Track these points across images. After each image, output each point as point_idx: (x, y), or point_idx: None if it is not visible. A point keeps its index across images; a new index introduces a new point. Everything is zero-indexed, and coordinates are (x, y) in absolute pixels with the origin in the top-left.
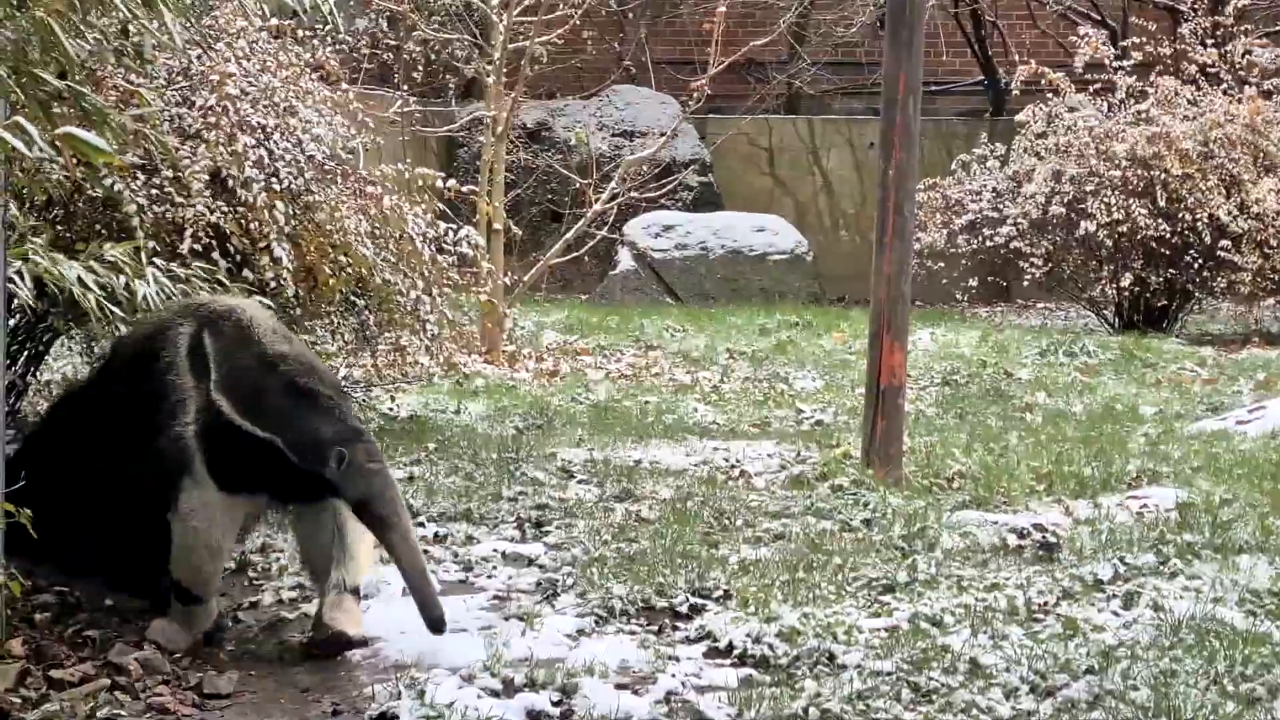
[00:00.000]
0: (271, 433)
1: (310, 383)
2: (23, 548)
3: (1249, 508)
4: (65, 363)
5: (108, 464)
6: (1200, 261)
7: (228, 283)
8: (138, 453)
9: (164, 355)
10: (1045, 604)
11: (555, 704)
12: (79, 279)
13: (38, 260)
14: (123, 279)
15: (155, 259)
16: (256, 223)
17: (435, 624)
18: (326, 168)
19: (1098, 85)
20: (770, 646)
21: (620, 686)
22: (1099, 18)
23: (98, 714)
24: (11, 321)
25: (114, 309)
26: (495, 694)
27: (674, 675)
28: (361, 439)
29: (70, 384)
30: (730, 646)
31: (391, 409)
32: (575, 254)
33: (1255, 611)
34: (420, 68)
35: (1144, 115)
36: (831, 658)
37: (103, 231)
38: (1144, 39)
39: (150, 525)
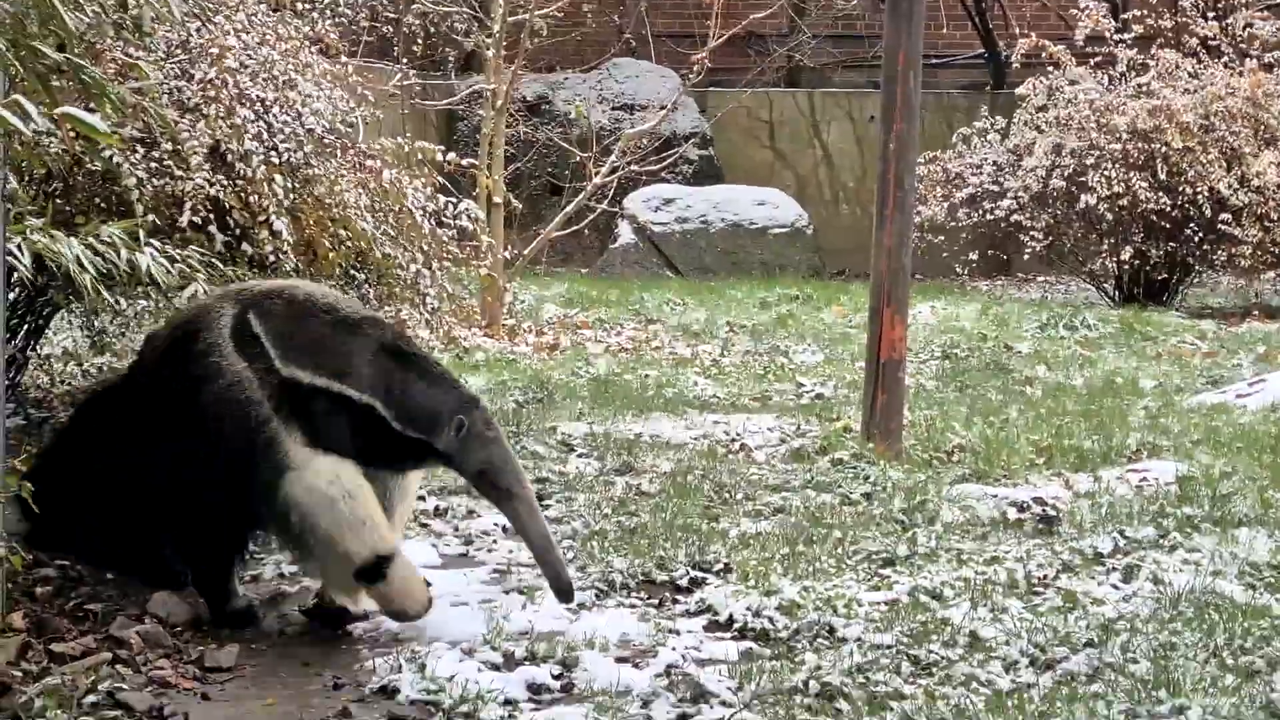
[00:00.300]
0: (370, 396)
1: (407, 346)
2: (54, 543)
3: (1249, 481)
4: (65, 336)
5: (150, 456)
6: (1201, 235)
7: (226, 258)
8: (180, 441)
9: (203, 339)
10: (1045, 577)
11: (556, 677)
12: (77, 258)
13: (36, 239)
14: (124, 255)
15: (152, 240)
16: (256, 196)
17: (564, 593)
18: (326, 141)
19: (1098, 58)
20: (770, 620)
21: (621, 659)
22: None
23: (99, 687)
24: (11, 295)
25: (109, 285)
26: (496, 667)
27: (674, 648)
28: (478, 406)
29: (104, 379)
30: (730, 620)
31: None
32: (575, 227)
33: (1255, 584)
34: (420, 41)
35: (1145, 88)
36: (831, 631)
37: (102, 205)
38: (1145, 12)
39: (193, 515)
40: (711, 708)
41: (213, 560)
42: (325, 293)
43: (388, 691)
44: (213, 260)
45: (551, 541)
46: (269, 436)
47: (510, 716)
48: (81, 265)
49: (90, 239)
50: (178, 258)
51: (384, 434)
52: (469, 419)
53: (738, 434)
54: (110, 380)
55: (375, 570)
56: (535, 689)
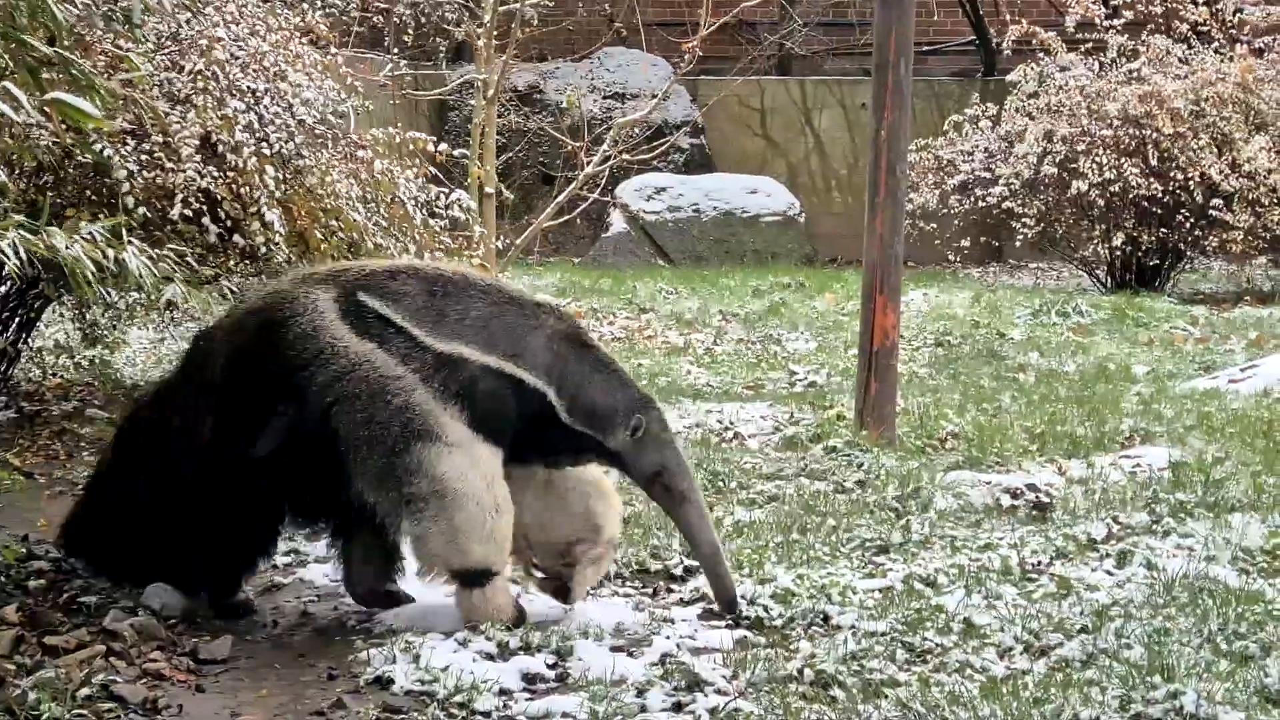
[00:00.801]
0: (545, 383)
1: (585, 338)
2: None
3: (1241, 466)
4: (57, 329)
5: (219, 455)
6: (1192, 220)
7: (218, 249)
8: (272, 434)
9: (296, 325)
10: (1039, 564)
11: (550, 666)
12: (67, 249)
13: (25, 235)
14: (111, 252)
15: (132, 240)
16: (247, 188)
17: (730, 605)
18: (317, 132)
19: (1089, 44)
20: (765, 608)
21: (615, 649)
22: None
23: (93, 680)
24: (2, 289)
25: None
26: (490, 657)
27: (669, 637)
28: (653, 407)
29: (156, 385)
30: None
31: None
32: (567, 217)
33: (1248, 569)
34: (410, 31)
35: (1135, 74)
36: (826, 619)
37: (93, 198)
38: None
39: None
40: (706, 696)
41: (238, 548)
42: (474, 274)
43: (382, 682)
44: (190, 261)
45: (721, 552)
46: (415, 407)
47: (505, 706)
48: (77, 260)
49: (74, 236)
50: (157, 257)
51: (549, 425)
52: (646, 420)
53: (731, 422)
54: (161, 385)
55: (475, 579)
56: (530, 678)
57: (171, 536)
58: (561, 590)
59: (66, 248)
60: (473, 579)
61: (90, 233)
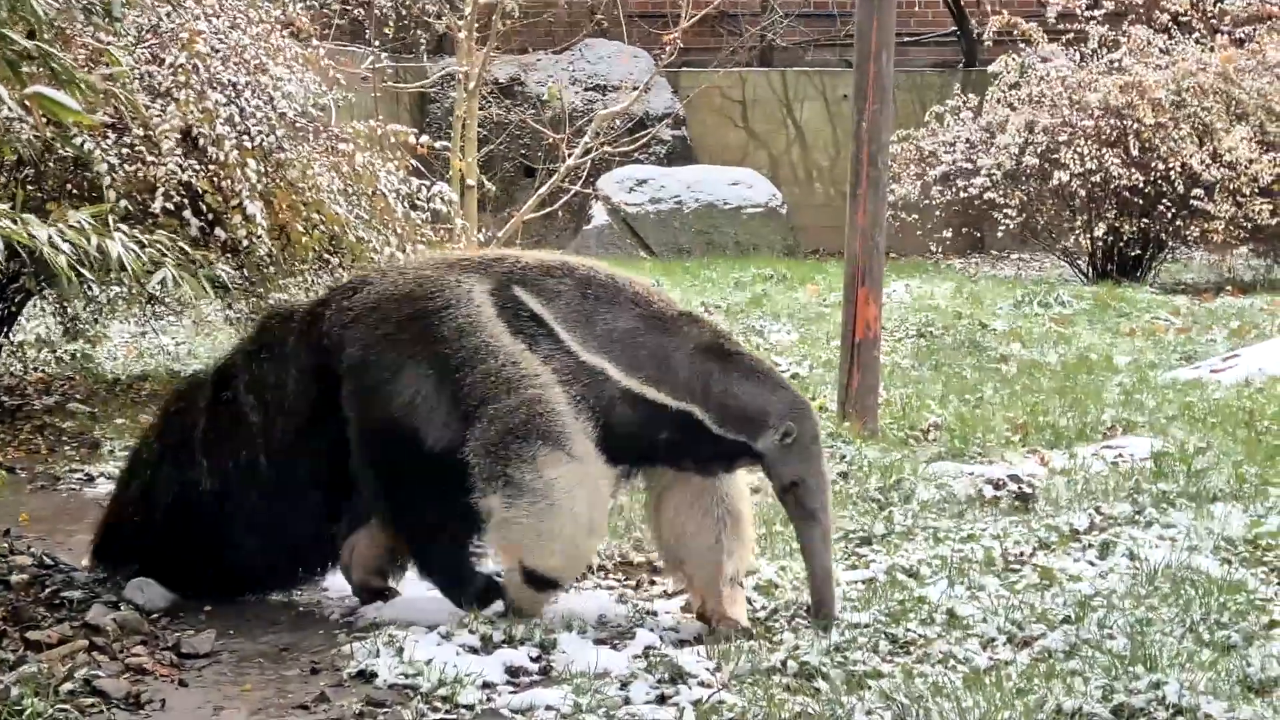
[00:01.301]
0: (688, 402)
1: (728, 345)
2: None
3: (1223, 456)
4: (38, 323)
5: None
6: (1173, 210)
7: (200, 243)
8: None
9: (452, 317)
10: (1021, 554)
11: (534, 659)
12: (49, 240)
13: (7, 224)
14: (94, 241)
15: (121, 225)
16: (228, 181)
17: (827, 624)
18: (298, 125)
19: (1070, 35)
20: (748, 600)
21: (599, 641)
22: None
23: (75, 675)
24: None
25: (81, 271)
26: (474, 650)
27: (652, 630)
28: (808, 415)
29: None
30: None
31: None
32: (549, 209)
33: (1230, 559)
34: (391, 23)
35: (1116, 65)
36: (809, 610)
37: (74, 191)
38: None
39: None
40: (690, 688)
41: (446, 541)
42: (624, 278)
43: (365, 675)
44: (183, 246)
45: (832, 578)
46: (547, 403)
47: (488, 699)
48: (55, 248)
49: (59, 224)
50: (146, 243)
51: (698, 437)
52: (800, 427)
53: None
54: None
55: (542, 584)
56: (513, 671)
57: (262, 532)
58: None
59: (49, 238)
60: (540, 583)
61: (77, 220)
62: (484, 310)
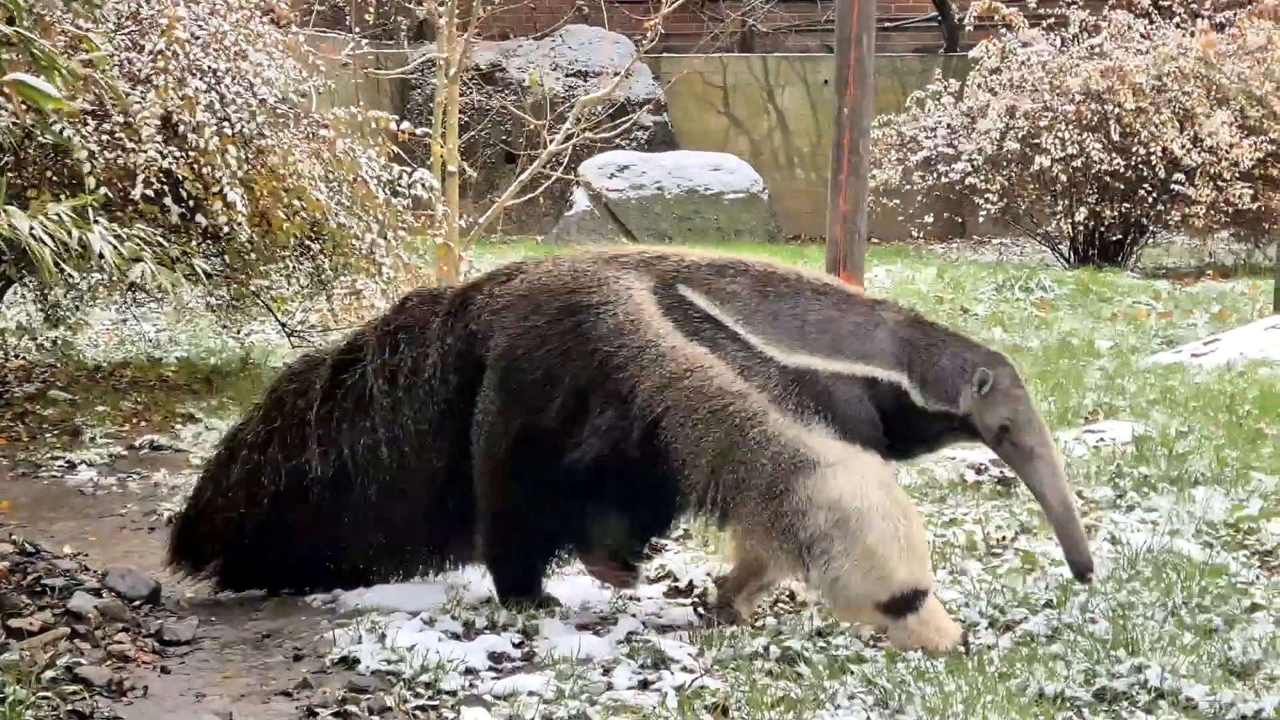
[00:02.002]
0: (897, 373)
1: (923, 318)
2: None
3: (1204, 440)
4: (19, 310)
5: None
6: (1154, 195)
7: (181, 230)
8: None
9: (610, 314)
10: (1003, 539)
11: (517, 645)
12: (31, 231)
13: None
14: (75, 234)
15: (99, 218)
16: (209, 168)
17: (1083, 572)
18: (279, 111)
19: (1051, 20)
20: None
21: (582, 627)
22: None
23: (58, 662)
24: None
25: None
26: (456, 636)
27: (635, 615)
28: (1004, 362)
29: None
30: (691, 585)
31: None
32: (530, 195)
33: (1211, 543)
34: (372, 9)
35: (1097, 49)
36: (792, 596)
37: (54, 179)
38: None
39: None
40: (673, 674)
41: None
42: (804, 271)
43: (348, 662)
44: (161, 239)
45: (1074, 511)
46: (778, 437)
47: (471, 685)
48: (38, 241)
49: (40, 217)
50: (126, 236)
51: (907, 414)
52: (995, 374)
53: None
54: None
55: (906, 604)
56: (496, 657)
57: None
58: None
59: (30, 230)
60: (902, 606)
61: (57, 213)
62: (645, 308)
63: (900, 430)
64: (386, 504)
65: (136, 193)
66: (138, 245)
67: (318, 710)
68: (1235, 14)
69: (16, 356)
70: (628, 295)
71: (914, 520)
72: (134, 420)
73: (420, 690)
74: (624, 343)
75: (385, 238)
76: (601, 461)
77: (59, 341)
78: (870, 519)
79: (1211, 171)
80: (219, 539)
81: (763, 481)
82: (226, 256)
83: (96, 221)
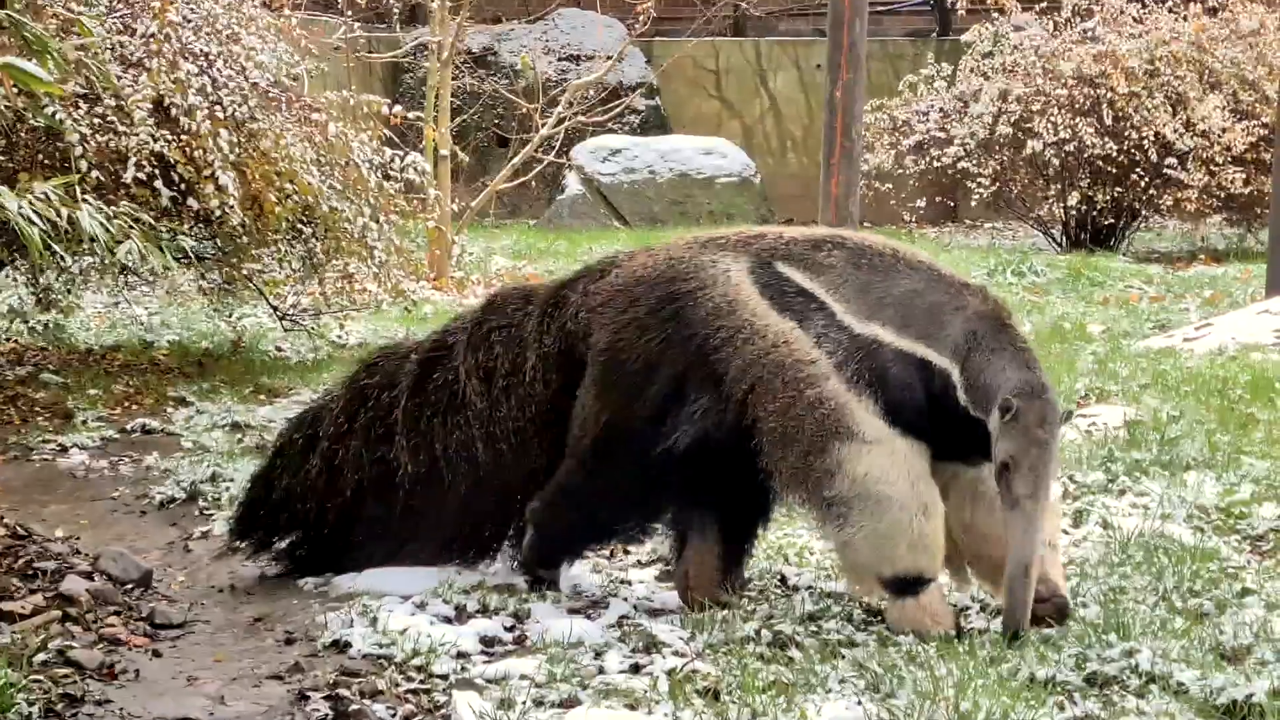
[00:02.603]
0: (951, 361)
1: (1005, 318)
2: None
3: (1196, 424)
4: (10, 294)
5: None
6: (1147, 179)
7: (172, 213)
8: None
9: (708, 298)
10: None
11: (508, 629)
12: (20, 212)
13: None
14: (64, 213)
15: (87, 197)
16: (201, 151)
17: (1011, 630)
18: (271, 95)
19: (1044, 4)
20: None
21: (573, 611)
22: None
23: (49, 645)
24: None
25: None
26: (448, 620)
27: (626, 599)
28: (1041, 396)
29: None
30: None
31: (340, 336)
32: (522, 179)
33: (1202, 527)
34: None
35: (1090, 34)
36: (783, 580)
37: (45, 162)
38: None
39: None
40: (664, 658)
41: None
42: (903, 246)
43: (340, 645)
44: (149, 218)
45: (1030, 574)
46: (829, 400)
47: (463, 669)
48: (28, 220)
49: (28, 196)
50: (114, 215)
51: (955, 409)
52: (1025, 406)
53: None
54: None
55: (905, 587)
56: (488, 641)
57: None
58: None
59: (19, 209)
60: (902, 587)
61: (44, 192)
62: (742, 288)
63: (948, 425)
64: (478, 500)
65: (128, 176)
66: (126, 223)
67: (309, 693)
68: None
69: (8, 340)
70: (725, 277)
71: (933, 517)
72: (126, 403)
73: (412, 673)
74: (721, 324)
75: (377, 221)
76: (694, 450)
77: (51, 325)
78: (888, 506)
79: (1204, 156)
80: (292, 524)
81: (806, 437)
82: (218, 240)
83: (85, 200)
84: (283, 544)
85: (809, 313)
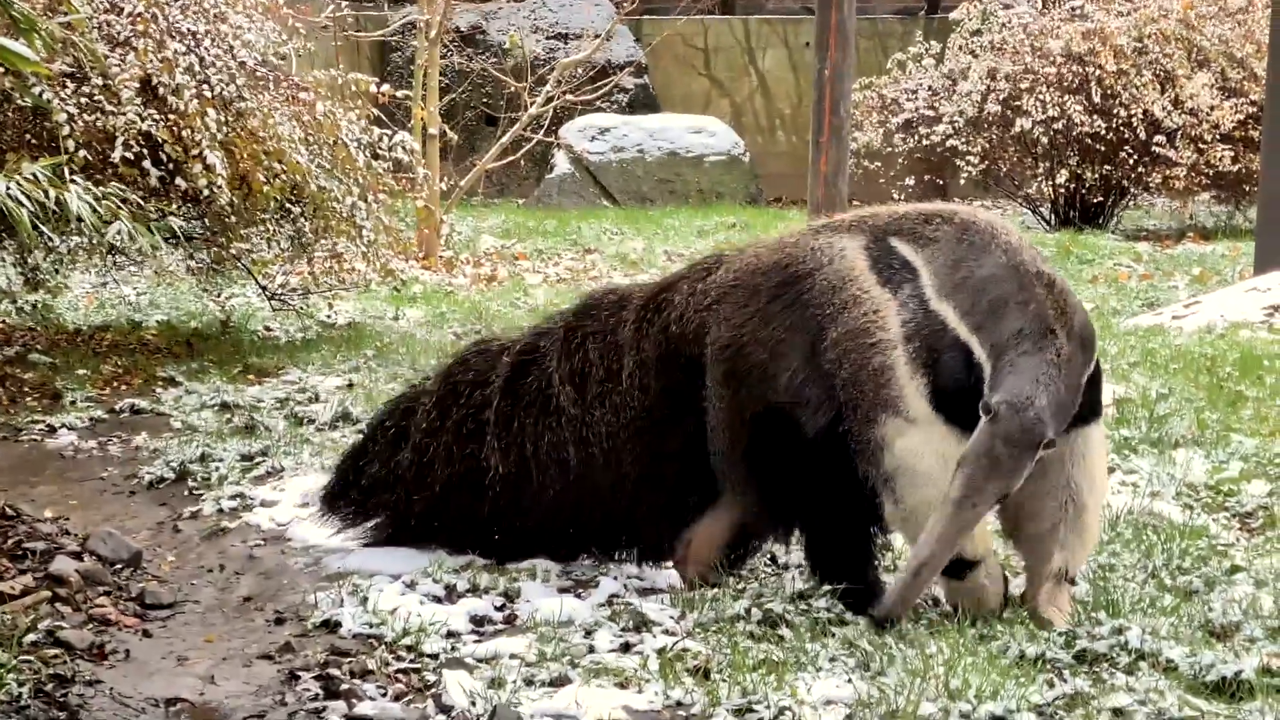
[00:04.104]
0: (989, 356)
1: (1057, 321)
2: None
3: (1185, 402)
4: None
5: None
6: (1135, 157)
7: (160, 193)
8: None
9: (822, 278)
10: None
11: (498, 609)
12: (8, 193)
13: None
14: (52, 193)
15: (75, 178)
16: (188, 130)
17: (880, 621)
18: (258, 74)
19: None
20: None
21: (563, 590)
22: None
23: (39, 626)
24: None
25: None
26: (438, 599)
27: (616, 578)
28: (1027, 410)
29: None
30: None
31: (329, 316)
32: (511, 158)
33: (1192, 505)
34: None
35: (1079, 11)
36: (774, 559)
37: (33, 142)
38: None
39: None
40: (654, 636)
41: (838, 529)
42: (1002, 227)
43: (330, 625)
44: (138, 199)
45: (919, 571)
46: (888, 370)
47: (453, 648)
48: (17, 201)
49: (16, 177)
50: (102, 195)
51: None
52: (1003, 415)
53: None
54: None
55: (952, 567)
56: (478, 620)
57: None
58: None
59: (6, 190)
60: (950, 568)
61: (33, 173)
62: (856, 264)
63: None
64: (566, 503)
65: (116, 155)
66: (114, 204)
67: (300, 673)
68: None
69: None
70: (840, 255)
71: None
72: (114, 384)
73: (402, 653)
74: (833, 300)
75: (366, 201)
76: (825, 432)
77: (39, 305)
78: (922, 484)
79: (1192, 134)
80: (379, 509)
81: (866, 405)
82: (206, 220)
83: (73, 180)
84: (369, 524)
85: (903, 283)
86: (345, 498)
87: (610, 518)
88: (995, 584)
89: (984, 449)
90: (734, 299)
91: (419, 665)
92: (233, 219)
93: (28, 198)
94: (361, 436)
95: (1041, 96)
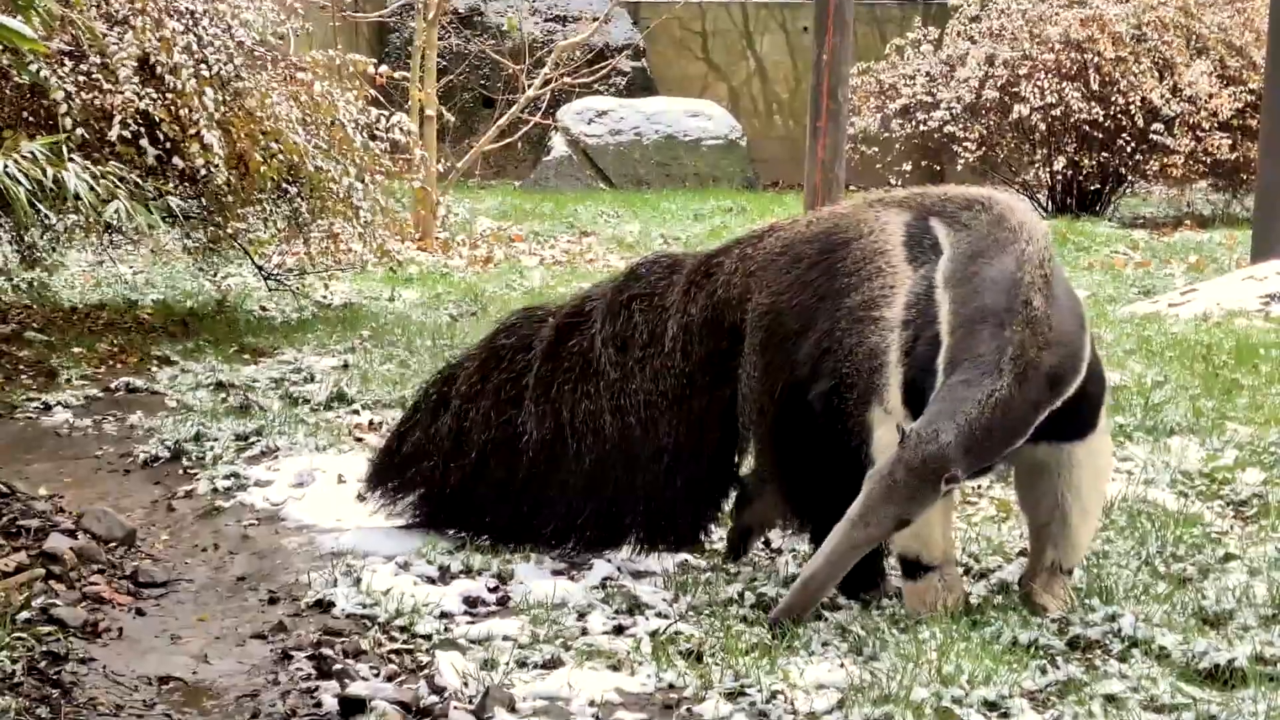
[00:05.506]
0: (947, 368)
1: (1040, 352)
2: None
3: (1180, 390)
4: None
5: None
6: (1133, 145)
7: (157, 171)
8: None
9: (858, 247)
10: (978, 487)
11: (492, 590)
12: (6, 171)
13: None
14: (50, 172)
15: (74, 156)
16: (186, 109)
17: (769, 626)
18: (256, 54)
19: None
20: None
21: (556, 572)
22: None
23: (32, 603)
24: None
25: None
26: (431, 580)
27: (609, 560)
28: (927, 447)
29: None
30: None
31: (325, 296)
32: (508, 140)
33: (1186, 493)
34: None
35: None
36: (767, 543)
37: (31, 120)
38: None
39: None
40: (647, 619)
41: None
42: (1031, 224)
43: (323, 605)
44: (136, 178)
45: (807, 584)
46: (879, 355)
47: (446, 629)
48: (14, 180)
49: (14, 155)
50: (100, 174)
51: None
52: (908, 443)
53: None
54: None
55: (909, 567)
56: (471, 602)
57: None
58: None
59: (4, 168)
60: (907, 568)
61: (30, 151)
62: (892, 238)
63: None
64: (602, 473)
65: (113, 134)
66: (112, 183)
67: (293, 653)
68: None
69: None
70: (882, 228)
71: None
72: (110, 362)
73: (395, 633)
74: (862, 270)
75: (363, 181)
76: (829, 407)
77: (35, 283)
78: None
79: (1190, 121)
80: (420, 481)
81: (861, 385)
82: (203, 199)
83: (71, 159)
84: (410, 498)
85: (925, 263)
86: (390, 468)
87: (650, 495)
88: (953, 593)
89: (886, 470)
90: (779, 265)
91: (412, 646)
92: (229, 198)
93: (25, 176)
94: (410, 404)
95: (1039, 83)
